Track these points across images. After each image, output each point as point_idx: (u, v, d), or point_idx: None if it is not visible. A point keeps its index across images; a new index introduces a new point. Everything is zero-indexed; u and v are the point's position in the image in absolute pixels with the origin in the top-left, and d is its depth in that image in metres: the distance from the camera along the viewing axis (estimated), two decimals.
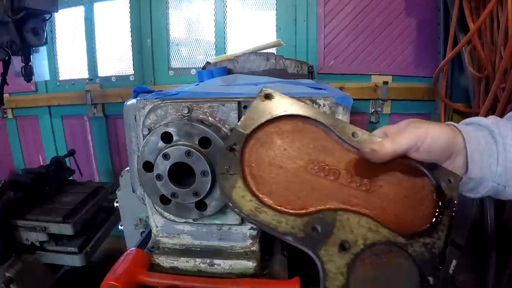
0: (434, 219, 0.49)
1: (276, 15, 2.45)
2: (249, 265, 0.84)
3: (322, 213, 0.48)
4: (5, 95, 2.31)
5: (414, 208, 0.49)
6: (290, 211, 0.48)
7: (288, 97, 0.58)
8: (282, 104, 0.56)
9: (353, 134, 0.53)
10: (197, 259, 0.86)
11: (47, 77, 2.47)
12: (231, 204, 0.49)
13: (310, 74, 1.73)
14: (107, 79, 2.82)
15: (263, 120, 0.54)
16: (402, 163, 0.52)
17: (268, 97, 0.56)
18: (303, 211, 0.48)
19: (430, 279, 0.45)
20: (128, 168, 1.22)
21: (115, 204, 1.48)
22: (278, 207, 0.48)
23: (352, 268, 0.46)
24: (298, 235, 0.47)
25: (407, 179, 0.51)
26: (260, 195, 0.49)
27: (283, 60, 1.69)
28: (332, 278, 0.46)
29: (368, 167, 0.51)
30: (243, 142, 0.51)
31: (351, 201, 0.48)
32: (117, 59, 2.83)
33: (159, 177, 0.74)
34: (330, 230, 0.47)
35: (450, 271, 1.33)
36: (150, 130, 0.77)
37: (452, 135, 0.55)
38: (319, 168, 0.50)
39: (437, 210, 0.50)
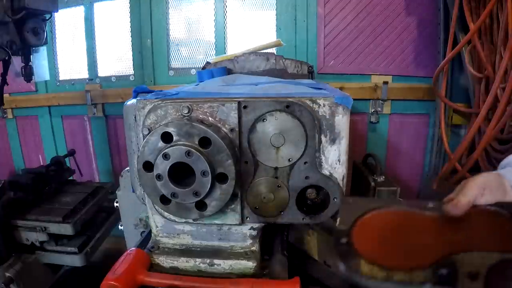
0: None
1: (276, 15, 2.45)
2: (249, 265, 0.84)
3: (442, 261, 0.60)
4: (5, 95, 2.31)
5: (504, 232, 0.62)
6: (417, 267, 0.60)
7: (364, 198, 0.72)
8: (367, 203, 0.72)
9: (428, 203, 0.68)
10: (197, 259, 0.86)
11: (47, 77, 2.47)
12: (364, 278, 0.61)
13: (310, 74, 1.73)
14: (107, 79, 2.82)
15: (354, 217, 0.69)
16: (476, 208, 0.65)
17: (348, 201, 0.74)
18: (426, 263, 0.61)
19: None
20: (128, 168, 1.22)
21: (115, 204, 1.48)
22: (406, 268, 0.61)
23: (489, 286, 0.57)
24: (432, 281, 0.59)
25: (486, 216, 0.65)
26: (387, 265, 0.61)
27: (283, 60, 1.69)
28: None
29: (455, 219, 0.64)
30: (349, 235, 0.67)
31: (456, 245, 0.62)
32: (117, 59, 2.83)
33: (159, 177, 0.74)
34: (454, 269, 0.59)
35: None
36: (150, 130, 0.77)
37: (499, 176, 0.69)
38: (420, 232, 0.64)
39: None
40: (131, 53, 2.72)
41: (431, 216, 0.66)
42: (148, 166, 0.76)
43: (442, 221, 0.66)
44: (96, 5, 2.73)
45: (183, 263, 0.86)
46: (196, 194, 0.75)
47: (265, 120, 0.78)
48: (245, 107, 0.78)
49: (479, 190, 0.66)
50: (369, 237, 0.65)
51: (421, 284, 0.58)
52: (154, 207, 0.86)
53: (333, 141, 0.79)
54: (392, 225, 0.67)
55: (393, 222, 0.67)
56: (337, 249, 0.65)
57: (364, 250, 0.63)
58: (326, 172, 0.81)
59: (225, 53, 2.46)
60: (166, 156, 0.73)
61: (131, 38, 2.70)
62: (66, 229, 1.85)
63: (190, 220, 0.86)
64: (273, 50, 2.12)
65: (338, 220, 0.68)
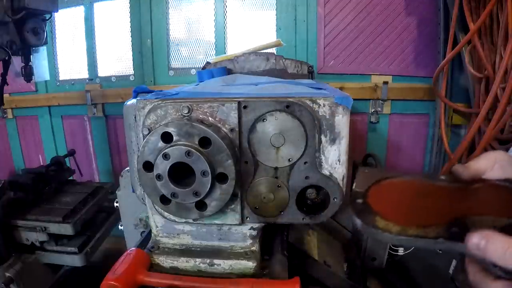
0: None
1: (276, 15, 2.45)
2: (249, 265, 0.84)
3: (454, 221, 0.61)
4: (5, 95, 2.31)
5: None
6: (430, 224, 0.62)
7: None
8: (383, 173, 0.72)
9: (440, 176, 0.71)
10: (197, 259, 0.86)
11: (47, 77, 2.47)
12: (379, 231, 0.62)
13: (310, 74, 1.73)
14: (107, 79, 2.82)
15: (371, 182, 0.71)
16: (485, 182, 0.67)
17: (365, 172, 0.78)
18: (439, 224, 0.62)
19: None
20: (128, 168, 1.22)
21: (115, 204, 1.48)
22: (420, 225, 0.62)
23: None
24: (445, 237, 0.60)
25: (494, 190, 0.66)
26: (401, 222, 0.62)
27: (283, 60, 1.69)
28: None
29: (464, 191, 0.67)
30: (364, 196, 0.69)
31: (465, 209, 0.63)
32: (117, 59, 2.83)
33: (159, 177, 0.74)
34: (466, 228, 0.59)
35: (450, 271, 1.33)
36: (150, 130, 0.77)
37: (510, 156, 0.70)
38: (431, 198, 0.67)
39: None
40: (131, 53, 2.72)
41: (442, 185, 0.70)
42: (148, 166, 0.76)
43: (452, 191, 0.69)
44: (96, 5, 2.73)
45: (183, 263, 0.86)
46: (196, 194, 0.75)
47: (265, 120, 0.78)
48: (245, 107, 0.78)
49: (490, 163, 0.67)
50: (383, 200, 0.69)
51: (434, 239, 0.60)
52: (154, 207, 0.86)
53: (333, 141, 0.79)
54: (405, 191, 0.71)
55: (407, 188, 0.71)
56: (353, 207, 0.68)
57: (379, 209, 0.66)
58: (326, 172, 0.81)
59: (225, 53, 2.46)
60: (166, 156, 0.73)
61: (131, 38, 2.70)
62: (66, 229, 1.85)
63: (190, 220, 0.86)
64: (273, 50, 2.12)
65: (354, 184, 0.72)
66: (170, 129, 0.74)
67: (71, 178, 2.44)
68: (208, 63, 1.80)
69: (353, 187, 0.74)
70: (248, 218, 0.85)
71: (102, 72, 2.84)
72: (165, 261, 0.87)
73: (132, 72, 2.76)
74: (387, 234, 0.61)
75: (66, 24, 2.84)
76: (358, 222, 0.64)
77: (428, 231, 0.61)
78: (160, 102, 0.79)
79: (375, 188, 0.70)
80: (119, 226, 1.52)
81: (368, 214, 0.64)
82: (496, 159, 0.68)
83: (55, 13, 2.14)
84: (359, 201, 0.67)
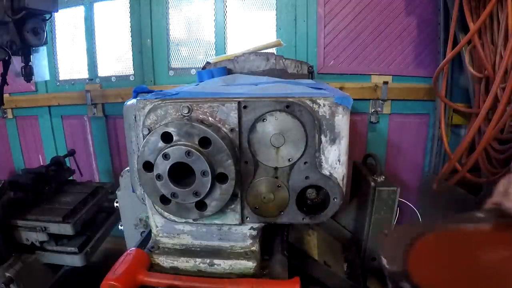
0: None
1: (276, 15, 2.45)
2: (249, 265, 0.84)
3: None
4: (5, 95, 2.31)
5: None
6: None
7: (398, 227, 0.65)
8: (405, 232, 0.61)
9: (476, 214, 0.59)
10: (197, 259, 0.86)
11: (47, 77, 2.47)
12: None
13: (310, 74, 1.73)
14: (107, 79, 2.82)
15: (403, 251, 0.57)
16: None
17: (385, 234, 0.63)
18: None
19: None
20: (128, 168, 1.22)
21: (115, 204, 1.48)
22: None
23: None
24: None
25: None
26: None
27: (283, 60, 1.69)
28: None
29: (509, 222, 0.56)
30: (408, 276, 0.53)
31: None
32: (117, 59, 2.83)
33: (159, 177, 0.74)
34: None
35: None
36: (150, 130, 0.77)
37: None
38: (488, 248, 0.54)
39: None
40: (131, 53, 2.72)
41: (487, 228, 0.58)
42: (148, 166, 0.76)
43: (500, 230, 0.57)
44: (96, 5, 2.73)
45: (183, 263, 0.86)
46: (196, 194, 0.75)
47: (265, 120, 0.78)
48: (245, 107, 0.78)
49: None
50: (435, 276, 0.52)
51: None
52: (154, 207, 0.86)
53: (333, 141, 0.79)
54: (452, 253, 0.55)
55: (451, 248, 0.56)
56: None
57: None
58: (326, 172, 0.81)
59: (225, 53, 2.46)
60: (166, 156, 0.73)
61: (131, 38, 2.70)
62: (66, 229, 1.85)
63: (190, 220, 0.86)
64: (273, 50, 2.12)
65: (385, 260, 0.58)
66: (170, 129, 0.74)
67: (71, 178, 2.44)
68: (208, 63, 1.80)
69: (384, 263, 0.57)
70: (248, 218, 0.85)
71: (102, 72, 2.83)
72: (165, 261, 0.87)
73: (132, 72, 2.76)
74: None
75: (66, 24, 2.84)
76: None
77: None
78: (160, 102, 0.79)
79: (415, 260, 0.54)
80: (119, 226, 1.52)
81: None
82: None
83: (55, 13, 2.14)
84: (407, 286, 0.51)
